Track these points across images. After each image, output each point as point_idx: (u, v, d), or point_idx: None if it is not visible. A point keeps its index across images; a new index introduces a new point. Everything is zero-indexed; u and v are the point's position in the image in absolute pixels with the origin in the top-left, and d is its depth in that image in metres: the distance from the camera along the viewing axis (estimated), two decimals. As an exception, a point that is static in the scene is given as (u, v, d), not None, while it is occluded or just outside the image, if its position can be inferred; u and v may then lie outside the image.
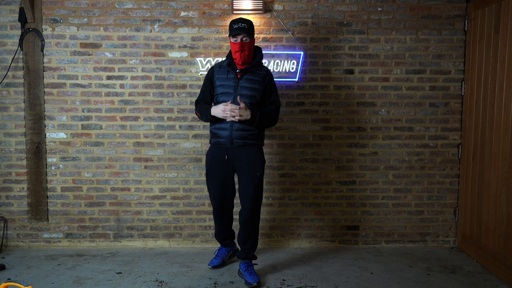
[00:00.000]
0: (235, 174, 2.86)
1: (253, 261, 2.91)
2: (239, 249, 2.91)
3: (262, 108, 2.76)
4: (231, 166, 2.77)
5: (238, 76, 2.72)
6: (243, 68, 2.71)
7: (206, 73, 3.31)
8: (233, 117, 2.59)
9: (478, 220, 3.13)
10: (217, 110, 2.65)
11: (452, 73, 3.40)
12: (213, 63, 3.32)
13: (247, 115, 2.61)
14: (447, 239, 3.49)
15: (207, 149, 3.36)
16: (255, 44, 2.89)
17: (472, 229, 3.21)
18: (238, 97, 2.62)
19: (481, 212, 3.08)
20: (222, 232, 2.97)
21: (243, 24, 2.64)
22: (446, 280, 2.81)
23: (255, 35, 3.29)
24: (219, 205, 2.86)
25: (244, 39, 2.65)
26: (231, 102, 2.64)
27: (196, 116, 3.16)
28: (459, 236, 3.44)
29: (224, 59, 2.96)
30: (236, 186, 2.99)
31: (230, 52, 2.78)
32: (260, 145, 2.81)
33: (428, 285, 2.73)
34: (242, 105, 2.60)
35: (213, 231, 3.43)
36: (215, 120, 2.72)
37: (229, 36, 2.71)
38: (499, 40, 2.88)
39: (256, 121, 2.66)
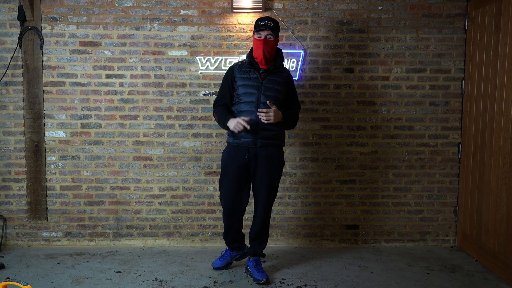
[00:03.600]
0: (250, 178, 2.76)
1: (261, 259, 2.89)
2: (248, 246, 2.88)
3: (286, 109, 2.74)
4: (249, 167, 2.70)
5: (262, 76, 2.67)
6: (266, 69, 2.68)
7: (206, 71, 3.32)
8: (268, 120, 2.56)
9: (478, 219, 3.13)
10: (231, 124, 2.59)
11: (452, 72, 3.39)
12: (213, 61, 3.31)
13: (279, 116, 2.60)
14: (447, 238, 3.48)
15: (207, 148, 3.38)
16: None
17: (472, 228, 3.21)
18: (268, 101, 2.59)
19: (481, 211, 3.08)
20: (230, 234, 2.86)
21: (269, 22, 2.61)
22: (446, 279, 2.81)
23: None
24: (230, 206, 2.75)
25: (268, 36, 2.62)
26: (244, 120, 2.55)
27: (214, 118, 2.95)
28: (459, 235, 3.43)
29: (243, 58, 2.92)
30: (250, 193, 2.86)
31: (250, 51, 2.73)
32: (281, 146, 2.78)
33: (428, 284, 2.73)
34: (274, 107, 2.58)
35: (213, 230, 3.44)
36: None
37: (253, 32, 2.67)
38: (499, 39, 2.87)
39: (286, 123, 2.68)
